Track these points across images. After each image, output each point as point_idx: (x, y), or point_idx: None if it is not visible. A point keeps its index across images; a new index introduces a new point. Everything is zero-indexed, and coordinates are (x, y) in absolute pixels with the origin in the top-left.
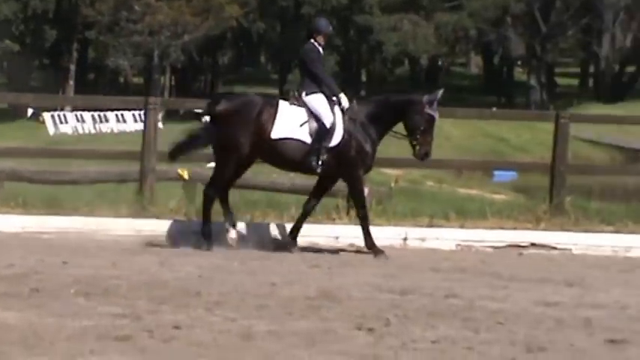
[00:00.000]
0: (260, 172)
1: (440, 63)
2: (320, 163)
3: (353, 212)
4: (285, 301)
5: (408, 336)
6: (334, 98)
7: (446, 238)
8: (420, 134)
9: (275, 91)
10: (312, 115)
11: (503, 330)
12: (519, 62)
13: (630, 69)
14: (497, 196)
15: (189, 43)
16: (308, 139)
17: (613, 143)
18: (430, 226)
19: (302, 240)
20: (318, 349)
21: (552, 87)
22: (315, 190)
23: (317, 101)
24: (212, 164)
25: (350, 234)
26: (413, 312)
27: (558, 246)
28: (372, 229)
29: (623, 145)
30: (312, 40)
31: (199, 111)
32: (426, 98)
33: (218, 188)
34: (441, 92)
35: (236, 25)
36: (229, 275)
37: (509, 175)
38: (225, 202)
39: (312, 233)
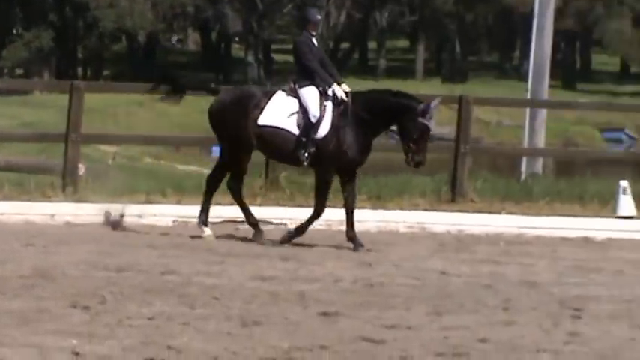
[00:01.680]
0: None
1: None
2: (307, 155)
3: (68, 189)
4: None
5: (123, 313)
6: (330, 91)
7: (163, 214)
8: (413, 143)
9: None
10: (302, 107)
11: (219, 305)
12: (237, 39)
13: (345, 45)
14: None
15: None
16: (295, 130)
17: None
18: (147, 202)
19: (18, 219)
20: (31, 329)
21: (269, 64)
22: (341, 185)
23: (307, 94)
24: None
25: (66, 211)
26: (129, 289)
27: (274, 221)
28: (90, 206)
29: None
30: (304, 31)
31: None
32: (420, 107)
33: (237, 180)
34: (437, 101)
35: None
36: None
37: None
38: (210, 199)
39: (28, 212)
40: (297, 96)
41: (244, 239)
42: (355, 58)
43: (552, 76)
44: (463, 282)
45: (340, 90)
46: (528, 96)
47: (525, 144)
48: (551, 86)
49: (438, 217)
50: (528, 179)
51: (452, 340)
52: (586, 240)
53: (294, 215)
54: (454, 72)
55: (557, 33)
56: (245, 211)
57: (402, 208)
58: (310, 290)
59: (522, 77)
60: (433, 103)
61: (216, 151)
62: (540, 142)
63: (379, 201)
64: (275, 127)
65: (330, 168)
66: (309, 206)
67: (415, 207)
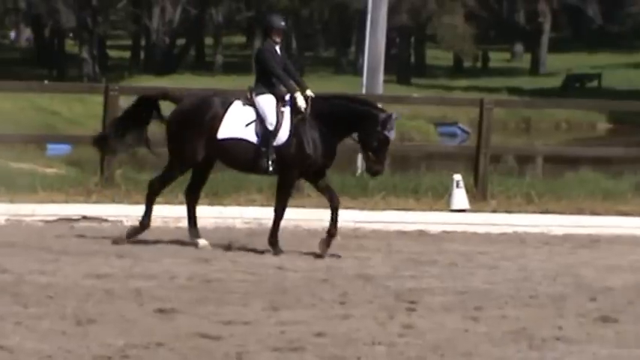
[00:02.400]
0: None
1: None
2: (270, 163)
3: None
4: None
5: None
6: (288, 97)
7: None
8: (373, 152)
9: None
10: (259, 116)
11: (53, 304)
12: (71, 34)
13: (181, 41)
14: (49, 170)
15: None
16: (254, 139)
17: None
18: None
19: None
20: None
21: (104, 59)
22: (318, 189)
23: (264, 102)
24: None
25: None
26: None
27: (110, 218)
28: None
29: None
30: (268, 39)
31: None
32: (382, 118)
33: (164, 186)
34: (395, 115)
35: None
36: None
37: (63, 149)
38: (192, 210)
39: None
40: (253, 104)
41: (80, 237)
42: (191, 54)
43: (387, 71)
44: (300, 277)
45: (301, 98)
46: (363, 91)
47: None
48: (386, 81)
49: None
50: (364, 174)
51: (288, 335)
52: (421, 233)
53: (130, 212)
54: None
55: (391, 28)
56: (149, 210)
57: (239, 204)
58: (146, 287)
59: (358, 72)
60: (394, 115)
61: (53, 148)
62: None
63: (216, 197)
64: (235, 139)
65: (291, 173)
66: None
67: (252, 203)
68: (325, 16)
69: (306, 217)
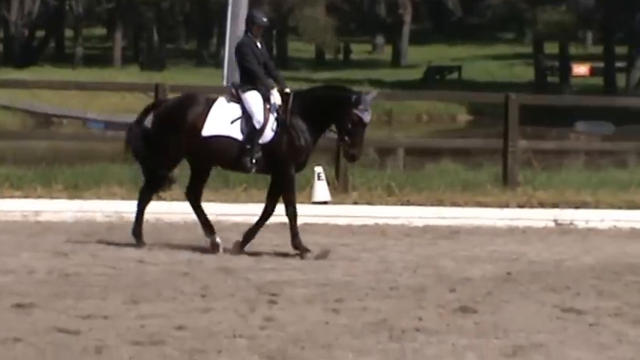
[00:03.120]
0: None
1: None
2: (254, 162)
3: None
4: None
5: None
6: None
7: None
8: (347, 135)
9: None
10: (245, 113)
11: None
12: None
13: (40, 33)
14: None
15: None
16: (239, 136)
17: (24, 108)
18: None
19: None
20: None
21: None
22: (269, 191)
23: (250, 98)
24: None
25: None
26: None
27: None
28: None
29: (34, 110)
30: (248, 33)
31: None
32: (354, 98)
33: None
34: (374, 94)
35: None
36: None
37: None
38: (199, 209)
39: None
40: (239, 101)
41: None
42: (51, 46)
43: None
44: (160, 270)
45: (276, 94)
46: (224, 83)
47: None
48: None
49: (135, 206)
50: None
51: (148, 329)
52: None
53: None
54: (152, 60)
55: None
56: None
57: (99, 198)
58: (4, 282)
59: (220, 65)
60: (370, 95)
61: None
62: None
63: (76, 190)
64: (219, 136)
65: (288, 170)
66: (3, 197)
67: (113, 196)
68: (186, 8)
69: (167, 210)
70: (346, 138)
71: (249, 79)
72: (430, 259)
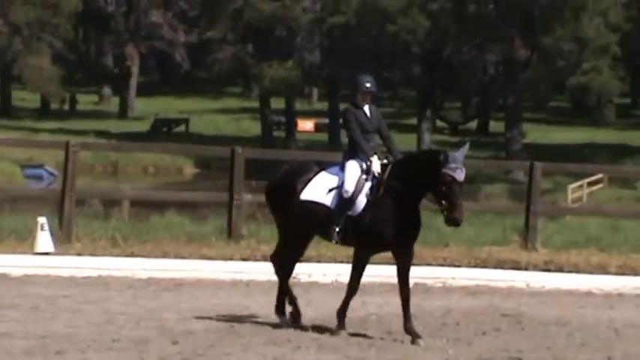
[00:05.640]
0: None
1: None
2: (337, 231)
3: None
4: None
5: None
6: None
7: None
8: (443, 198)
9: None
10: (341, 182)
11: None
12: None
13: None
14: None
15: None
16: (331, 205)
17: None
18: None
19: None
20: None
21: None
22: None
23: (348, 167)
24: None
25: None
26: None
27: None
28: None
29: None
30: (354, 101)
31: None
32: (442, 156)
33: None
34: (466, 147)
35: None
36: None
37: None
38: (287, 278)
39: None
40: (342, 169)
41: None
42: None
43: None
44: None
45: (376, 163)
46: None
47: None
48: None
49: None
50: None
51: None
52: (2, 276)
53: None
54: None
55: None
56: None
57: None
58: None
59: None
60: (459, 151)
61: None
62: None
63: None
64: (314, 202)
65: (366, 248)
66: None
67: None
68: None
69: None
70: (443, 202)
71: (351, 147)
72: (153, 312)
